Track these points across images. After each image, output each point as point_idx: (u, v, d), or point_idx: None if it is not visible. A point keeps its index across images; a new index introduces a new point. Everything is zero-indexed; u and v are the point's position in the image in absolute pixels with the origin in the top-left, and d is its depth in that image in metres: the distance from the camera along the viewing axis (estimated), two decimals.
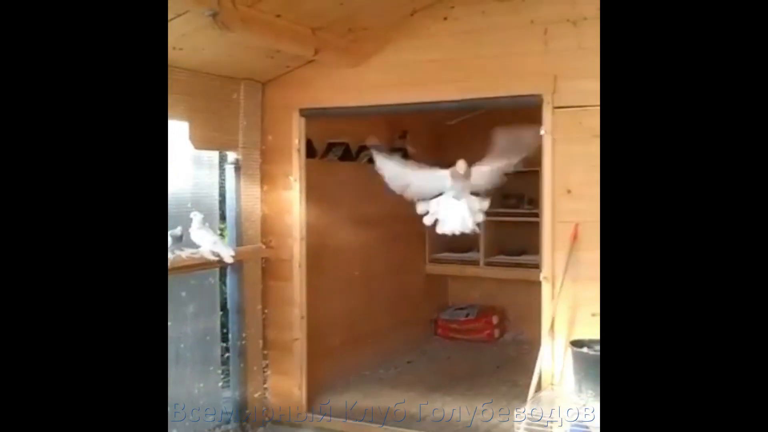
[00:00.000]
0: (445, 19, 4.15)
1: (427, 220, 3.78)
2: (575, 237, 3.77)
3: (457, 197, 3.71)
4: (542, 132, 3.84)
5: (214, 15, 3.20)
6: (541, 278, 3.91)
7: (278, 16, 3.68)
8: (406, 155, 6.18)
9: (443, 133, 6.75)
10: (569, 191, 3.81)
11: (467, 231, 3.79)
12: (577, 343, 3.67)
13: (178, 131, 3.94)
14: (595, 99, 3.68)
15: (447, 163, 7.10)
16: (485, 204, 3.78)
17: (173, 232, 3.78)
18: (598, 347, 3.62)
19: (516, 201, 6.51)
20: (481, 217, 3.74)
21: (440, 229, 3.80)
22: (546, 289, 3.88)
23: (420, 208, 3.79)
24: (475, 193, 3.80)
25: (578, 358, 3.61)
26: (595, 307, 3.77)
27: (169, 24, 3.31)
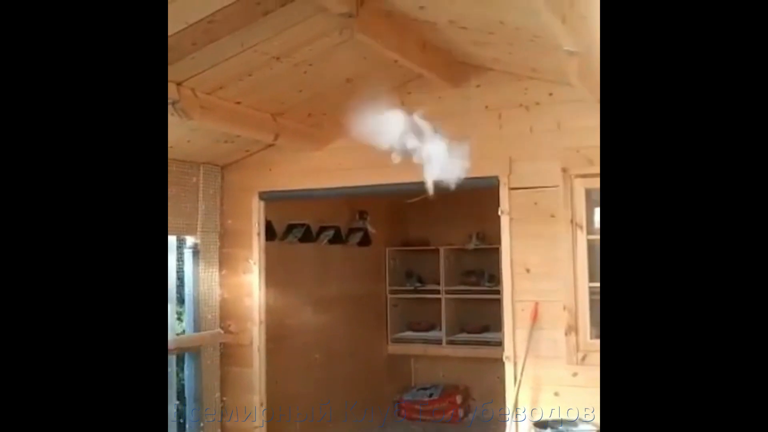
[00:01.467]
0: (402, 104, 4.25)
1: None
2: (535, 316, 3.80)
3: None
4: (500, 212, 3.91)
5: (174, 103, 3.23)
6: (504, 358, 3.90)
7: (238, 102, 3.74)
8: (366, 235, 6.22)
9: (403, 211, 6.82)
10: (528, 270, 3.86)
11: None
12: (540, 424, 3.63)
13: None
14: (550, 180, 3.82)
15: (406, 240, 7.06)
16: None
17: None
18: (561, 428, 3.60)
19: (476, 278, 6.56)
20: None
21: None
22: (509, 369, 3.87)
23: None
24: None
25: None
26: (557, 386, 3.76)
27: None
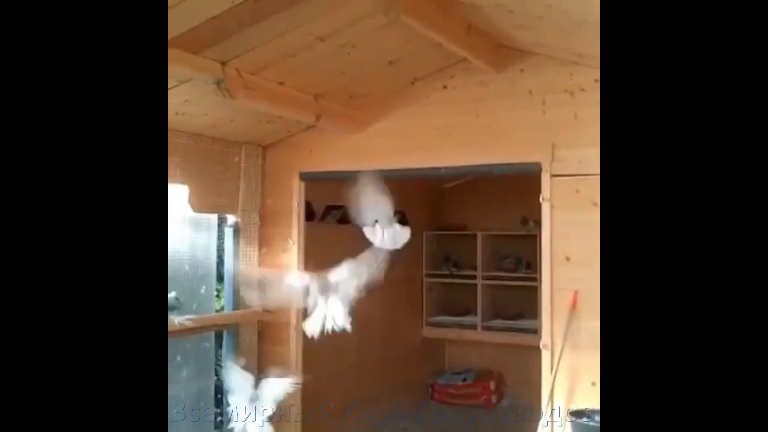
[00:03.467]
0: (445, 87, 4.23)
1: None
2: (574, 305, 3.76)
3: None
4: (541, 199, 3.87)
5: (219, 83, 3.25)
6: (541, 346, 3.87)
7: (281, 83, 3.75)
8: (404, 218, 6.20)
9: (441, 195, 6.80)
10: (568, 258, 3.81)
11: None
12: (576, 413, 3.61)
13: (177, 194, 3.96)
14: (593, 168, 3.76)
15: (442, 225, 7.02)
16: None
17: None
18: (597, 417, 3.57)
19: (513, 265, 6.51)
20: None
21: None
22: (545, 357, 3.84)
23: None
24: None
25: (577, 429, 3.55)
26: (595, 376, 3.73)
27: (173, 90, 3.37)
